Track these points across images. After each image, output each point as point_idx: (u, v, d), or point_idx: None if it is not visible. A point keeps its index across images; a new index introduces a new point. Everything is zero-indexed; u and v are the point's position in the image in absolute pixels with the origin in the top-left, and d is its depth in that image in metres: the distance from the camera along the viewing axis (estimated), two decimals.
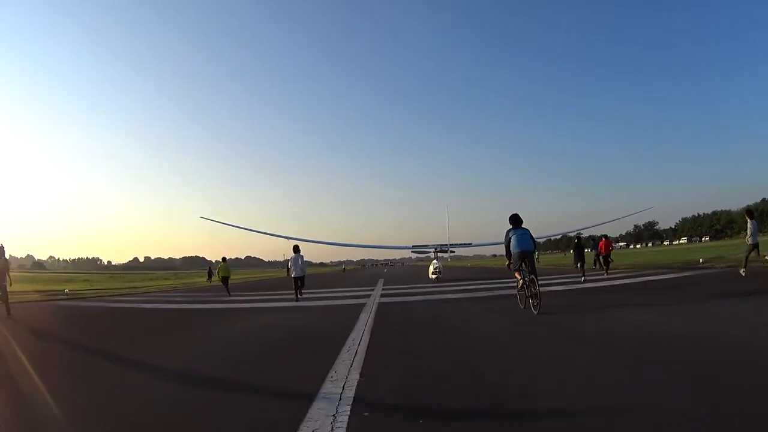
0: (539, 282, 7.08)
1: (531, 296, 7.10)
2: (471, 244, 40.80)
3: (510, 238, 7.42)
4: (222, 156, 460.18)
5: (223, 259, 18.15)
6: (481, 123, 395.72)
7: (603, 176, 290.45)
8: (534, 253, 7.62)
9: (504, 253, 7.84)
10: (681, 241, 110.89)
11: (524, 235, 7.39)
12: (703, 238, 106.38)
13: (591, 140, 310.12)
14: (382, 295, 13.05)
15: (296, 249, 12.73)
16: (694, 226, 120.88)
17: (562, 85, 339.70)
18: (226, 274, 17.13)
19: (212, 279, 34.59)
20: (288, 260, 13.17)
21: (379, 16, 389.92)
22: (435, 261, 24.02)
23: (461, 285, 15.93)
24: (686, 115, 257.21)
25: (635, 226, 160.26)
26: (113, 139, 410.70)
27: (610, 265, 16.27)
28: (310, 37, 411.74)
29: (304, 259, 12.95)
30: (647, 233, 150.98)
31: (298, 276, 12.32)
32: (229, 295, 15.96)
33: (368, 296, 12.98)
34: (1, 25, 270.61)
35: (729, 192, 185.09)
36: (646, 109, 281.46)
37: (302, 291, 12.59)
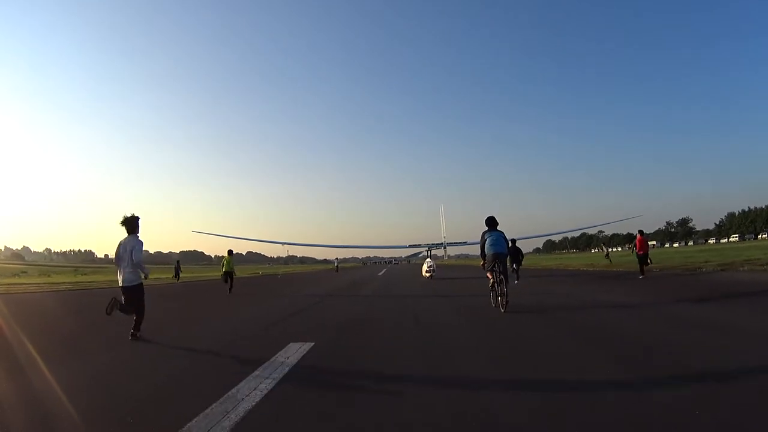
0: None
1: (500, 295, 7.35)
2: (466, 242, 41.55)
3: (485, 240, 7.72)
4: (222, 154, 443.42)
5: (229, 252, 15.82)
6: (481, 120, 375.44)
7: (614, 176, 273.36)
8: (507, 255, 7.96)
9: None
10: (731, 239, 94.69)
11: (499, 238, 7.68)
12: (760, 235, 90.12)
13: (600, 138, 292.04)
14: None
15: (132, 224, 6.05)
16: (744, 222, 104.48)
17: (572, 82, 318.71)
18: (230, 270, 15.11)
19: (179, 276, 29.59)
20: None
21: (380, 12, 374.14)
22: (429, 260, 24.12)
23: None
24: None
25: (667, 223, 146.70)
26: (116, 133, 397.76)
27: (645, 268, 14.55)
28: (310, 37, 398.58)
29: (143, 245, 6.05)
30: (682, 231, 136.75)
31: (130, 286, 5.90)
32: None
33: None
34: (3, 15, 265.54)
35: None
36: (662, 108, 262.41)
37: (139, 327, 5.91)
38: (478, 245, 8.14)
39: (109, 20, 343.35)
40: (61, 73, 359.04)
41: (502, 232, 7.77)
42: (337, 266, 54.84)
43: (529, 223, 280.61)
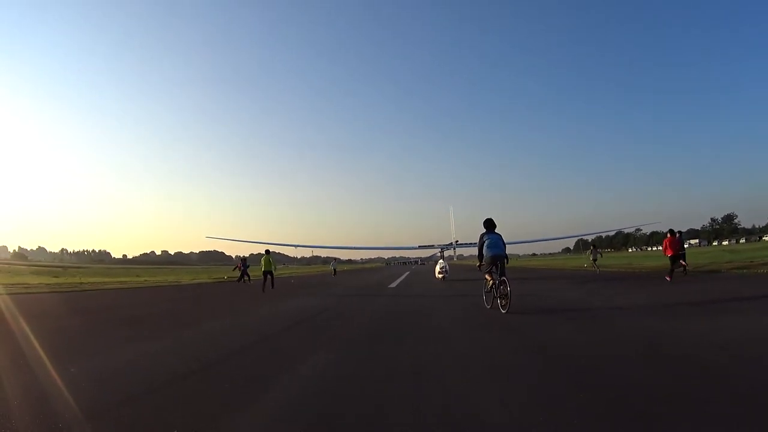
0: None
1: (501, 297, 7.38)
2: (476, 243, 33.98)
3: (483, 242, 7.79)
4: (239, 160, 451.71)
5: (267, 251, 17.19)
6: (498, 124, 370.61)
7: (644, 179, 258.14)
8: (505, 257, 7.76)
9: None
10: None
11: (497, 241, 7.78)
12: None
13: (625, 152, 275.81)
14: None
15: None
16: None
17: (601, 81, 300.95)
18: (269, 269, 16.33)
19: (244, 278, 23.86)
20: None
21: (385, 13, 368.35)
22: (441, 261, 23.65)
23: None
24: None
25: (712, 219, 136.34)
26: (136, 134, 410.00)
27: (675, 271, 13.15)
28: (316, 39, 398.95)
29: None
30: (728, 228, 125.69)
31: None
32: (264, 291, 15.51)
33: None
34: (16, 10, 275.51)
35: None
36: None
37: None
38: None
39: (126, 19, 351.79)
40: (82, 74, 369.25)
41: (500, 235, 7.92)
42: (334, 269, 41.66)
43: (558, 224, 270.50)
